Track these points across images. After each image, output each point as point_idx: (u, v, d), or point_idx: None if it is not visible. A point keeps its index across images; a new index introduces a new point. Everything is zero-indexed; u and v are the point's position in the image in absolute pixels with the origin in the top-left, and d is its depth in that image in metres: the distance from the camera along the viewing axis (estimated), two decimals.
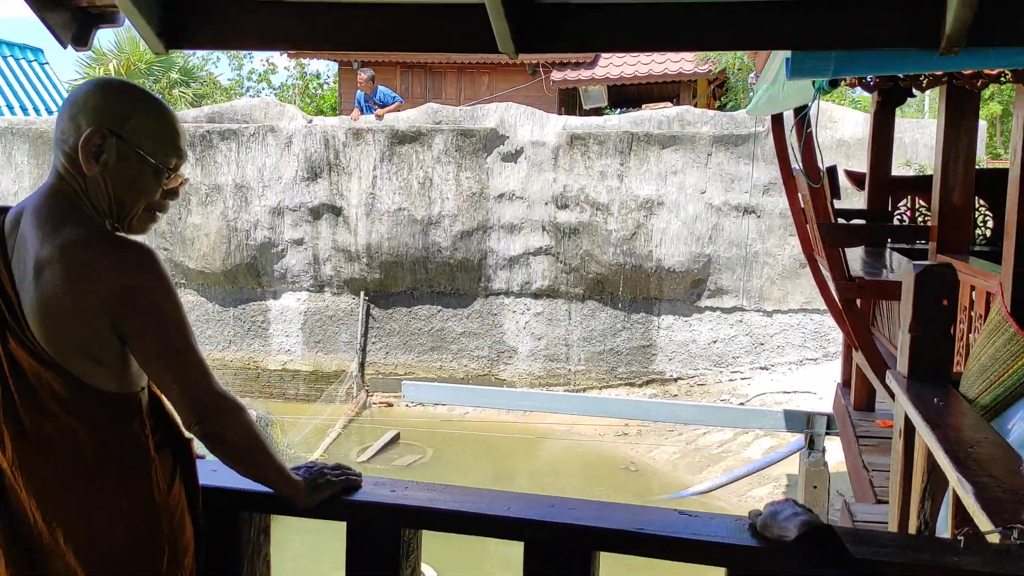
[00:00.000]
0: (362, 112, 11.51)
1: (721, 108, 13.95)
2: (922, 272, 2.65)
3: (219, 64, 28.79)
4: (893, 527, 2.83)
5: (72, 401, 1.45)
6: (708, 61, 14.24)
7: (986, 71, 3.08)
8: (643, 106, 13.24)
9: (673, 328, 10.77)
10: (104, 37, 18.65)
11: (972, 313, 3.44)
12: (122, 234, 1.54)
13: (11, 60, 15.21)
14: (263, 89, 21.38)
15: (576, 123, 11.00)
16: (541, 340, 11.04)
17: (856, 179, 6.75)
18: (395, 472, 9.04)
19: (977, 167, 4.45)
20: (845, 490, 6.31)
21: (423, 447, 9.84)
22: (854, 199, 6.98)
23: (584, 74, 15.12)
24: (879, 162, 6.16)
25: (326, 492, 1.66)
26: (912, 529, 2.52)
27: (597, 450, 9.77)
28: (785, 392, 9.93)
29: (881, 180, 6.17)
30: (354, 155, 11.06)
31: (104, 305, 1.42)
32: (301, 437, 9.58)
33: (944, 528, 2.28)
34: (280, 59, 21.68)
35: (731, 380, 10.56)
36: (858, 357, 5.42)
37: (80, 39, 2.13)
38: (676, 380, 10.75)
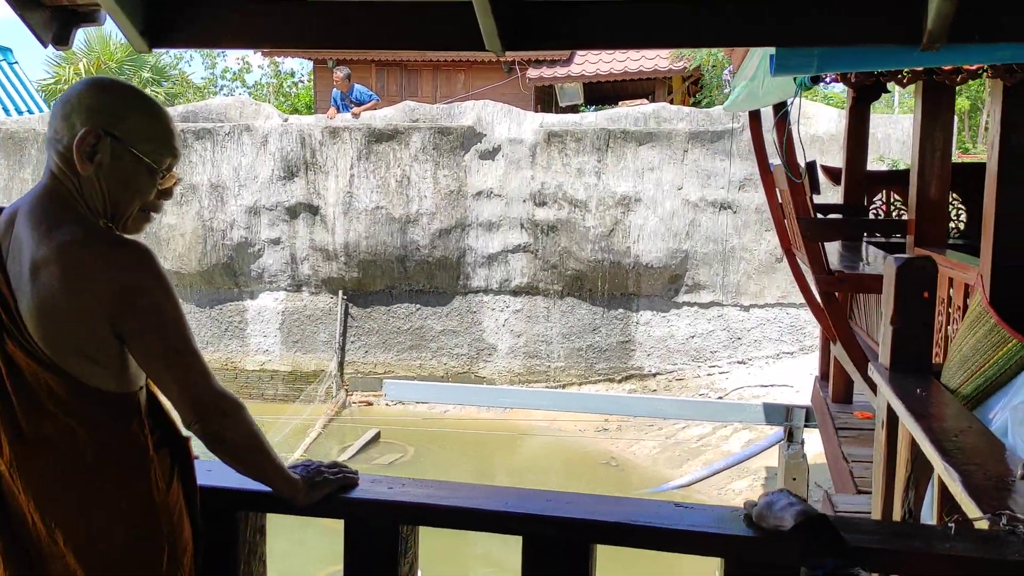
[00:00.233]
0: (339, 111, 11.45)
1: (696, 105, 14.03)
2: (903, 265, 2.69)
3: (192, 63, 28.48)
4: (876, 516, 2.87)
5: (71, 401, 1.44)
6: (683, 58, 14.31)
7: (966, 67, 3.13)
8: (619, 103, 13.27)
9: (651, 324, 10.83)
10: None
11: (951, 306, 3.49)
12: (119, 234, 1.53)
13: None
14: (237, 88, 21.21)
15: (553, 120, 11.02)
16: (521, 337, 11.06)
17: (832, 174, 6.81)
18: (377, 471, 9.01)
19: None
20: (824, 481, 6.37)
21: (404, 445, 9.82)
22: (829, 194, 7.06)
23: (560, 71, 15.14)
24: (855, 157, 6.22)
25: (324, 490, 1.66)
26: (896, 518, 2.56)
27: (577, 446, 9.80)
28: (763, 386, 10.02)
29: (857, 175, 6.24)
30: (331, 154, 11.00)
31: (102, 305, 1.42)
32: (281, 437, 9.52)
33: (929, 516, 2.31)
34: (254, 57, 21.51)
35: (709, 375, 10.63)
36: (836, 350, 5.48)
37: (61, 38, 2.11)
38: (655, 375, 10.81)
